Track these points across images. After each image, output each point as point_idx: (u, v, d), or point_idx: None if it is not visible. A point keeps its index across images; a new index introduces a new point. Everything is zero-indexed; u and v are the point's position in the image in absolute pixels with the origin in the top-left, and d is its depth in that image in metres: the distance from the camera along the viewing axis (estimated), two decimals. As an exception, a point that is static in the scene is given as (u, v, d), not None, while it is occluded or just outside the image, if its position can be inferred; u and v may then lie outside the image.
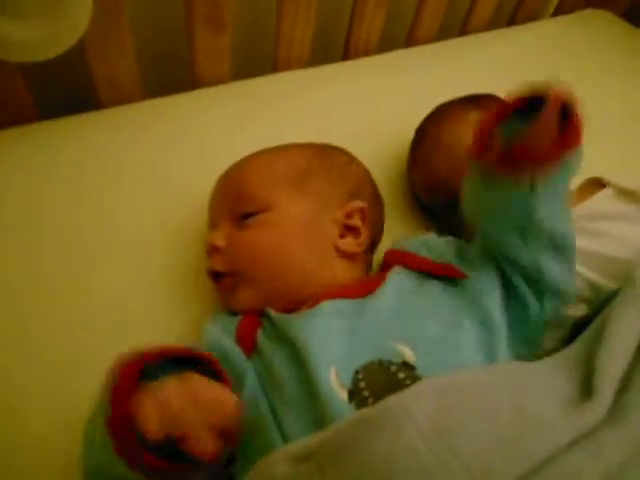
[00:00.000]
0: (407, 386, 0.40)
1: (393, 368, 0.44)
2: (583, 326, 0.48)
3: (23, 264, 0.62)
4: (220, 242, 0.56)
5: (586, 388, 0.39)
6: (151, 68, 0.84)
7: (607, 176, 0.68)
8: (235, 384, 0.45)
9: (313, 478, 0.34)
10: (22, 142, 0.71)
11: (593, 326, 0.45)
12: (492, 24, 1.16)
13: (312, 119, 0.84)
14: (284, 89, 0.88)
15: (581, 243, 0.60)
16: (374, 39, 1.00)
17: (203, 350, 0.51)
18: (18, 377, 0.55)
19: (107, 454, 0.37)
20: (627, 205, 0.63)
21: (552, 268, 0.50)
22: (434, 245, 0.57)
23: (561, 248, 0.50)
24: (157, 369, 0.39)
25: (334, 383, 0.43)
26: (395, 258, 0.57)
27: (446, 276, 0.53)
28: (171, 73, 0.87)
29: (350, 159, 0.64)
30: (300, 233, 0.55)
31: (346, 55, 1.00)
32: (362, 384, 0.43)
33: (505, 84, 0.87)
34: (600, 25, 1.21)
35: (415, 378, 0.43)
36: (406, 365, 0.44)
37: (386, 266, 0.58)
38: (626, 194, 0.64)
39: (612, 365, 0.39)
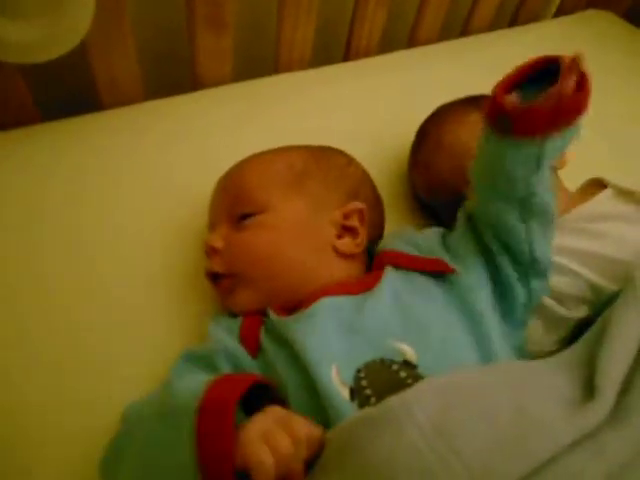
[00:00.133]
0: (409, 385, 0.41)
1: (395, 367, 0.44)
2: (584, 327, 0.48)
3: (24, 264, 0.62)
4: (218, 243, 0.56)
5: (588, 389, 0.39)
6: (152, 69, 0.84)
7: (608, 176, 0.68)
8: None
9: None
10: (23, 143, 0.71)
11: (594, 327, 0.45)
12: (493, 25, 1.17)
13: (313, 120, 0.84)
14: (285, 90, 0.88)
15: (582, 244, 0.60)
16: (375, 40, 1.00)
17: (207, 349, 0.51)
18: (18, 377, 0.55)
19: None
20: (627, 205, 0.63)
21: (541, 244, 0.51)
22: (421, 239, 0.58)
23: (550, 223, 0.51)
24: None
25: (335, 381, 0.43)
26: (386, 258, 0.57)
27: (436, 272, 0.53)
28: (172, 74, 0.88)
29: (349, 160, 0.64)
30: (297, 234, 0.56)
31: (347, 56, 1.00)
32: (364, 382, 0.43)
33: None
34: (601, 26, 1.21)
35: (417, 377, 0.43)
36: (407, 364, 0.44)
37: (377, 266, 0.57)
38: (625, 194, 0.64)
39: (614, 366, 0.39)
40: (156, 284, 0.64)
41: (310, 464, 0.37)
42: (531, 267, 0.52)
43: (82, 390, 0.55)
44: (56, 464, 0.51)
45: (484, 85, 0.80)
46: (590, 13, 1.25)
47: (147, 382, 0.54)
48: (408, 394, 0.37)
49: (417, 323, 0.48)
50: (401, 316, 0.49)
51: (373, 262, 0.59)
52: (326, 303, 0.50)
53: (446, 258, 0.54)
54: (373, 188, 0.65)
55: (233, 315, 0.57)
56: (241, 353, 0.50)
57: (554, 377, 0.40)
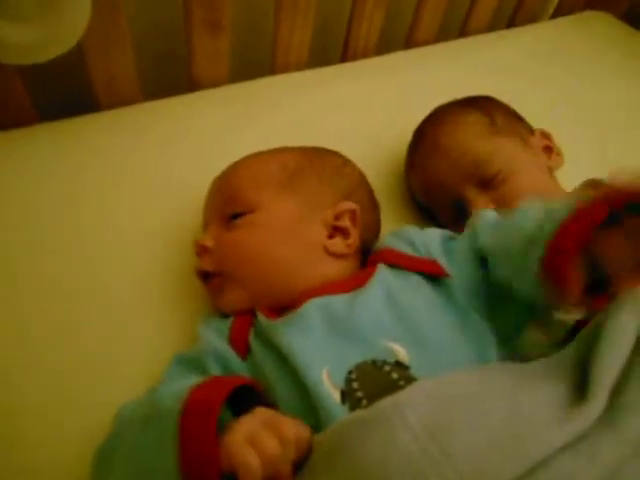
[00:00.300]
0: (401, 387, 0.40)
1: (387, 368, 0.44)
2: (580, 329, 0.48)
3: (23, 265, 0.62)
4: (208, 242, 0.57)
5: (581, 390, 0.39)
6: (150, 70, 0.84)
7: (605, 178, 0.68)
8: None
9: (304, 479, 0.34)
10: (22, 144, 0.71)
11: (588, 328, 0.45)
12: (491, 26, 1.17)
13: (310, 121, 0.84)
14: (282, 91, 0.88)
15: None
16: (373, 41, 1.00)
17: (197, 352, 0.51)
18: (17, 377, 0.55)
19: None
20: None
21: None
22: (419, 239, 0.56)
23: None
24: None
25: (326, 384, 0.43)
26: (379, 256, 0.57)
27: (430, 273, 0.52)
28: (170, 75, 0.88)
29: (344, 162, 0.64)
30: (286, 233, 0.56)
31: (344, 57, 1.00)
32: (355, 385, 0.43)
33: (504, 86, 0.88)
34: (599, 27, 1.22)
35: (409, 378, 0.43)
36: (400, 365, 0.44)
37: (370, 264, 0.57)
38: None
39: (607, 368, 0.39)
40: (155, 284, 0.64)
41: (298, 465, 0.37)
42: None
43: (82, 390, 0.55)
44: (55, 464, 0.51)
45: (482, 86, 0.81)
46: (588, 14, 1.25)
47: (146, 382, 0.54)
48: (400, 396, 0.36)
49: (410, 322, 0.48)
50: (393, 314, 0.48)
51: (367, 260, 0.59)
52: (315, 304, 0.50)
53: (443, 261, 0.53)
54: (369, 190, 0.65)
55: (224, 316, 0.56)
56: (230, 355, 0.49)
57: (548, 379, 0.40)
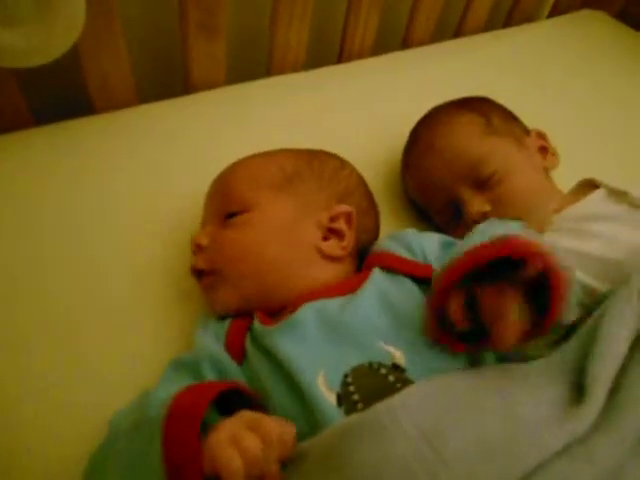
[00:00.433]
0: (398, 389, 0.40)
1: (383, 371, 0.43)
2: (575, 328, 0.48)
3: (21, 269, 0.62)
4: (203, 240, 0.57)
5: (578, 390, 0.39)
6: (146, 73, 0.84)
7: (602, 176, 0.68)
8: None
9: None
10: (18, 148, 0.71)
11: (585, 328, 0.44)
12: (487, 25, 1.17)
13: (307, 123, 0.84)
14: (279, 93, 0.88)
15: (574, 244, 0.60)
16: (369, 42, 1.00)
17: (193, 356, 0.51)
18: (15, 378, 0.55)
19: None
20: (619, 206, 0.63)
21: None
22: (416, 243, 0.56)
23: None
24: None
25: (322, 388, 0.43)
26: (374, 259, 0.57)
27: (423, 278, 0.52)
28: (166, 78, 0.88)
29: (342, 164, 0.64)
30: (279, 233, 0.56)
31: (341, 58, 1.00)
32: (351, 388, 0.43)
33: (501, 85, 0.88)
34: (595, 26, 1.22)
35: (405, 381, 0.43)
36: (396, 367, 0.44)
37: (366, 267, 0.57)
38: (618, 195, 0.64)
39: (604, 368, 0.39)
40: (153, 286, 0.64)
41: (286, 464, 0.37)
42: None
43: (81, 391, 0.55)
44: (53, 470, 0.50)
45: (479, 85, 0.81)
46: (584, 13, 1.25)
47: (145, 385, 0.54)
48: (394, 400, 0.36)
49: (404, 325, 0.47)
50: (388, 317, 0.48)
51: (364, 263, 0.59)
52: (310, 308, 0.49)
53: (438, 266, 0.53)
54: (367, 193, 0.65)
55: (222, 318, 0.56)
56: (227, 360, 0.49)
57: (544, 380, 0.40)
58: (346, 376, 0.44)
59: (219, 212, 0.59)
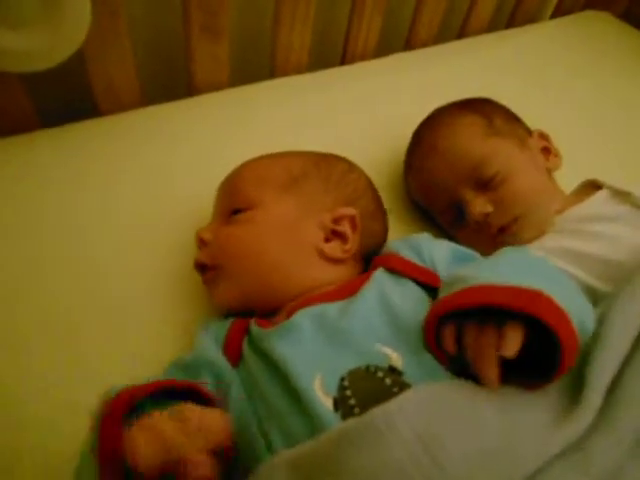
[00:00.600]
0: (395, 393, 0.39)
1: (380, 374, 0.43)
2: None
3: (22, 268, 0.62)
4: (207, 235, 0.58)
5: (575, 392, 0.38)
6: (150, 75, 0.85)
7: (605, 176, 0.68)
8: (223, 396, 0.46)
9: None
10: (23, 150, 0.72)
11: None
12: (490, 27, 1.17)
13: (310, 124, 0.84)
14: (282, 94, 0.88)
15: (577, 245, 0.60)
16: (372, 44, 1.00)
17: (191, 359, 0.51)
18: (16, 379, 0.55)
19: None
20: (621, 206, 0.63)
21: None
22: (426, 248, 0.56)
23: None
24: (148, 403, 0.39)
25: (318, 392, 0.42)
26: (380, 260, 0.57)
27: (428, 284, 0.52)
28: (170, 80, 0.88)
29: (351, 168, 0.64)
30: (280, 232, 0.56)
31: (344, 60, 1.00)
32: (348, 392, 0.42)
33: (503, 86, 0.88)
34: (599, 26, 1.22)
35: (403, 384, 0.42)
36: (393, 370, 0.43)
37: (373, 268, 0.57)
38: (620, 195, 0.64)
39: (602, 370, 0.39)
40: (156, 286, 0.64)
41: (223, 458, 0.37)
42: None
43: (81, 392, 0.55)
44: (54, 469, 0.51)
45: (482, 86, 0.81)
46: (587, 14, 1.25)
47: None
48: (391, 405, 0.36)
49: (403, 327, 0.47)
50: (386, 318, 0.48)
51: (371, 263, 0.59)
52: (307, 312, 0.49)
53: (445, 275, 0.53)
54: (375, 198, 0.65)
55: (224, 317, 0.57)
56: (222, 364, 0.49)
57: None
58: (343, 380, 0.43)
59: (225, 209, 0.59)
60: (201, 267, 0.58)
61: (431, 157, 0.69)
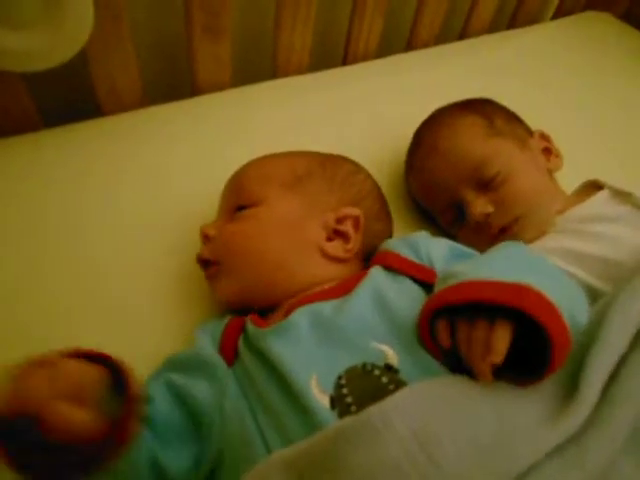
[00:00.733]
0: (391, 391, 0.40)
1: (376, 372, 0.43)
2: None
3: (25, 269, 0.63)
4: (211, 231, 0.58)
5: (571, 387, 0.39)
6: (152, 75, 0.85)
7: (606, 177, 0.68)
8: (217, 394, 0.46)
9: None
10: (26, 149, 0.72)
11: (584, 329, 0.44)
12: (492, 27, 1.17)
13: (311, 125, 0.85)
14: (284, 95, 0.89)
15: (578, 245, 0.61)
16: (373, 44, 1.01)
17: (185, 356, 0.52)
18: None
19: None
20: (622, 207, 0.63)
21: None
22: (425, 246, 0.56)
23: None
24: None
25: (315, 390, 0.42)
26: (377, 258, 0.57)
27: (425, 281, 0.52)
28: (172, 80, 0.89)
29: (357, 169, 0.65)
30: (283, 230, 0.56)
31: (345, 61, 1.01)
32: (345, 390, 0.42)
33: (504, 87, 0.89)
34: (600, 27, 1.22)
35: (399, 382, 0.42)
36: (389, 368, 0.43)
37: (371, 266, 0.57)
38: (621, 196, 0.64)
39: (600, 365, 0.39)
40: (157, 286, 0.64)
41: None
42: None
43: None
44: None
45: (483, 87, 0.81)
46: (588, 15, 1.25)
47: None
48: (387, 403, 0.36)
49: (399, 324, 0.47)
50: (382, 316, 0.48)
51: (369, 262, 0.59)
52: (304, 311, 0.49)
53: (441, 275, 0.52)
54: (380, 200, 0.65)
55: (222, 316, 0.57)
56: (218, 361, 0.49)
57: None
58: (340, 378, 0.43)
59: (230, 206, 0.60)
60: (204, 262, 0.59)
61: (432, 157, 0.70)
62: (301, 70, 0.94)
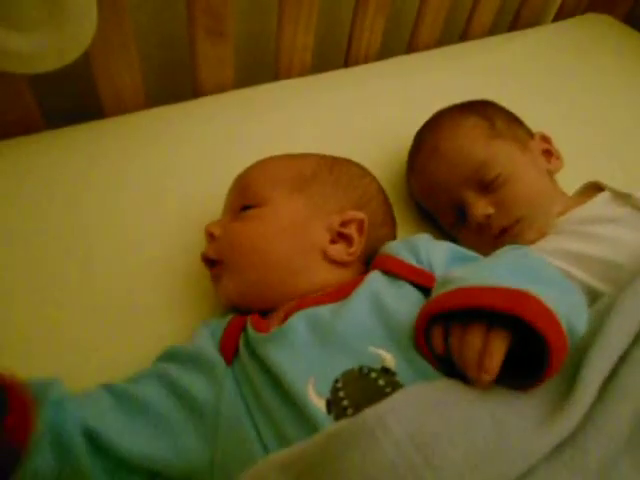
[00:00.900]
0: (387, 394, 0.39)
1: (373, 375, 0.43)
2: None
3: (28, 270, 0.63)
4: (216, 230, 0.58)
5: (569, 386, 0.39)
6: (154, 77, 0.86)
7: (607, 179, 0.69)
8: (214, 391, 0.47)
9: None
10: (29, 150, 0.73)
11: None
12: (493, 29, 1.17)
13: (314, 126, 0.85)
14: (286, 96, 0.89)
15: (578, 246, 0.61)
16: (375, 46, 1.01)
17: (184, 351, 0.52)
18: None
19: None
20: (623, 208, 0.63)
21: None
22: (425, 249, 0.56)
23: None
24: None
25: (311, 394, 0.42)
26: (377, 262, 0.57)
27: (423, 285, 0.52)
28: (174, 82, 0.89)
29: (364, 173, 0.65)
30: (287, 231, 0.56)
31: (347, 62, 1.01)
32: (341, 393, 0.42)
33: (506, 89, 0.89)
34: (601, 29, 1.22)
35: (396, 385, 0.42)
36: (386, 371, 0.43)
37: (372, 270, 0.57)
38: (622, 197, 0.64)
39: (595, 369, 0.39)
40: (157, 287, 0.65)
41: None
42: None
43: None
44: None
45: (484, 89, 0.82)
46: (589, 17, 1.25)
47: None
48: (383, 406, 0.36)
49: (396, 328, 0.47)
50: (379, 320, 0.48)
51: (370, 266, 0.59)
52: (301, 316, 0.49)
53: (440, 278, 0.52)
54: (385, 205, 0.65)
55: (225, 314, 0.57)
56: (217, 359, 0.49)
57: None
58: (336, 381, 0.43)
59: (235, 205, 0.60)
60: (209, 262, 0.59)
61: (433, 159, 0.70)
62: (303, 72, 0.95)
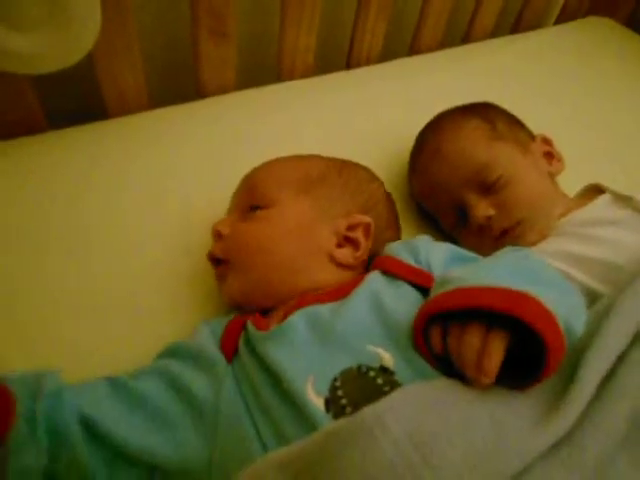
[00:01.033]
0: (386, 393, 0.40)
1: (372, 374, 0.43)
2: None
3: (29, 269, 0.63)
4: (225, 229, 0.58)
5: (567, 384, 0.39)
6: (157, 78, 0.86)
7: (608, 181, 0.69)
8: (214, 389, 0.47)
9: None
10: (32, 151, 0.73)
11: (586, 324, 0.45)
12: (494, 32, 1.17)
13: (316, 127, 0.85)
14: (288, 98, 0.89)
15: (579, 248, 0.61)
16: (377, 48, 1.01)
17: (185, 348, 0.52)
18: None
19: None
20: (623, 211, 0.63)
21: None
22: (424, 250, 0.56)
23: None
24: None
25: (310, 393, 0.42)
26: (378, 263, 0.57)
27: (422, 286, 0.52)
28: (177, 83, 0.89)
29: (371, 178, 0.65)
30: (294, 233, 0.56)
31: (349, 64, 1.01)
32: (340, 392, 0.42)
33: (507, 92, 0.89)
34: (602, 32, 1.22)
35: (394, 383, 0.42)
36: (385, 370, 0.43)
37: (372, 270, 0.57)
38: (623, 200, 0.64)
39: (593, 369, 0.39)
40: (159, 287, 0.65)
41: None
42: None
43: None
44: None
45: (486, 92, 0.82)
46: (591, 20, 1.25)
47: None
48: (381, 404, 0.36)
49: (395, 327, 0.47)
50: (378, 319, 0.48)
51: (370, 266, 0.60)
52: (301, 314, 0.50)
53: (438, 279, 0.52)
54: (391, 210, 0.65)
55: (226, 314, 0.57)
56: (217, 357, 0.50)
57: None
58: (335, 380, 0.43)
59: (243, 205, 0.60)
60: (215, 261, 0.59)
61: (435, 160, 0.70)
62: (305, 74, 0.95)
